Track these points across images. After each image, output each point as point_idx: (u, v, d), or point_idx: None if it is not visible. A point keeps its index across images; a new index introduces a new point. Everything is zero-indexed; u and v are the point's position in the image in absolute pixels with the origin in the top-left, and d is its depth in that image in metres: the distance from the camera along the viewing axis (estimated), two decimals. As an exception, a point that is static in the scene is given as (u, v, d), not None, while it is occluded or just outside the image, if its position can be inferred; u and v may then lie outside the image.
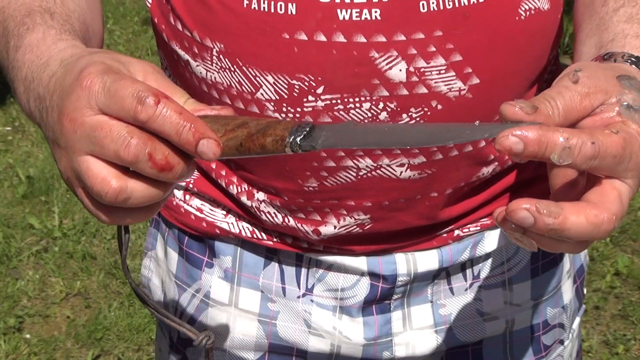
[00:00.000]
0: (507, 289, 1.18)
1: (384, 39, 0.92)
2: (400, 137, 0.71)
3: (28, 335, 3.14)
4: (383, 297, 1.13)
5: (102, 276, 3.36)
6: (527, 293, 1.19)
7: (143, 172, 0.69)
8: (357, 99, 0.94)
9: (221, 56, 0.96)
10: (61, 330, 3.16)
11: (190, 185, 1.16)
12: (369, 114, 0.95)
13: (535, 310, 1.21)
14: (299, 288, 1.15)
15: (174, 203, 1.19)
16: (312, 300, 1.15)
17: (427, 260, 1.12)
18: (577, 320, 1.31)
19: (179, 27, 0.99)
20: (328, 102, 0.95)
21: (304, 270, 1.14)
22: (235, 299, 1.17)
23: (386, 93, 0.94)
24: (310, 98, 0.95)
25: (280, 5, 0.92)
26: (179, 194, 1.18)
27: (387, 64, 0.93)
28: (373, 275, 1.12)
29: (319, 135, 0.71)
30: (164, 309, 1.22)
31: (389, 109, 0.94)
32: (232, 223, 1.14)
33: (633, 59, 0.80)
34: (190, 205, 1.17)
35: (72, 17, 0.91)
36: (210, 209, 1.16)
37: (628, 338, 2.94)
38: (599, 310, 3.11)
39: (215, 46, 0.96)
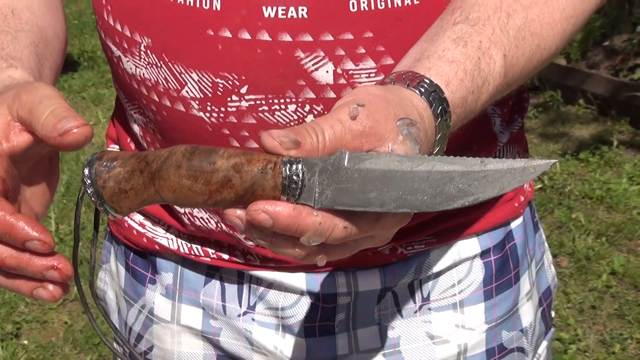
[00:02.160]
0: (458, 312, 1.12)
1: (310, 39, 0.89)
2: (410, 194, 0.68)
3: (26, 342, 3.15)
4: (325, 317, 1.09)
5: (99, 281, 3.36)
6: (481, 316, 1.13)
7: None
8: (282, 100, 0.91)
9: (149, 51, 0.94)
10: (59, 336, 3.16)
11: None
12: (295, 117, 0.92)
13: (489, 334, 1.14)
14: (240, 306, 1.11)
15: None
16: (253, 319, 1.11)
17: (368, 279, 1.08)
18: (544, 344, 1.25)
19: (111, 22, 0.98)
20: (252, 102, 0.92)
21: (245, 288, 1.11)
22: (178, 315, 1.15)
23: (312, 95, 0.91)
24: (234, 98, 0.92)
25: (206, 0, 0.89)
26: None
27: (313, 65, 0.90)
28: (312, 294, 1.08)
29: (311, 186, 0.67)
30: (119, 324, 1.22)
31: (315, 112, 0.92)
32: (171, 239, 1.12)
33: (425, 88, 0.76)
34: (134, 220, 1.15)
35: (19, 36, 0.91)
36: (152, 225, 1.14)
37: (625, 337, 2.95)
38: (595, 310, 3.12)
39: (143, 41, 0.94)
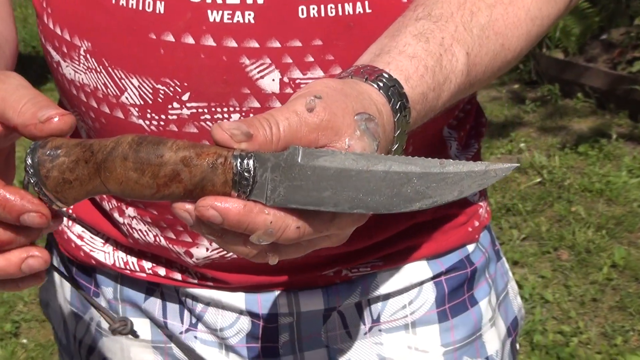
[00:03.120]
0: (410, 333, 1.07)
1: (256, 45, 0.84)
2: (366, 195, 0.65)
3: (25, 340, 3.13)
4: (268, 338, 1.05)
5: (98, 279, 3.35)
6: (436, 338, 1.08)
7: None
8: (225, 109, 0.87)
9: (88, 56, 0.90)
10: (58, 335, 3.14)
11: (70, 211, 1.10)
12: None
13: (448, 358, 1.09)
14: (182, 323, 1.07)
15: (60, 227, 1.12)
16: (195, 337, 1.07)
17: (311, 299, 1.04)
18: None
19: (51, 25, 0.94)
20: (194, 110, 0.88)
21: (185, 306, 1.07)
22: None
23: (257, 104, 0.87)
24: (175, 105, 0.88)
25: (149, 3, 0.85)
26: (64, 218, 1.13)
27: (258, 72, 0.85)
28: (252, 314, 1.04)
29: (263, 182, 0.64)
30: (64, 336, 1.18)
31: None
32: (108, 252, 1.08)
33: (384, 82, 0.73)
34: (72, 232, 1.11)
35: None
36: (91, 237, 1.10)
37: (626, 329, 2.94)
38: (596, 303, 3.10)
39: (83, 45, 0.90)
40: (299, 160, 0.64)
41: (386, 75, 0.74)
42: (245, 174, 0.63)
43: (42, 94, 0.69)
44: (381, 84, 0.73)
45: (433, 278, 1.07)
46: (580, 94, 4.83)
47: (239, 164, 0.63)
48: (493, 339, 1.13)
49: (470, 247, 1.11)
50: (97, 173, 0.64)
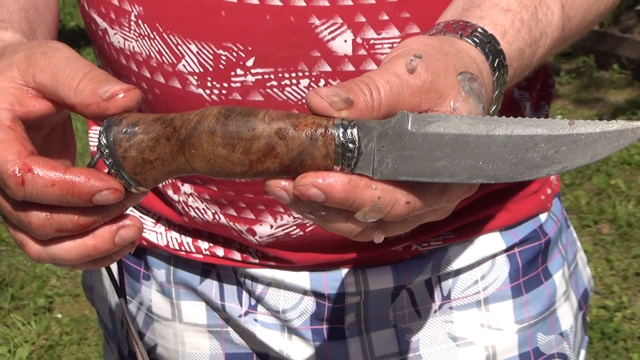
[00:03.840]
0: (482, 310, 1.01)
1: (327, 3, 0.78)
2: (486, 162, 0.59)
3: (59, 315, 3.11)
4: (334, 319, 0.99)
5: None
6: (509, 315, 1.02)
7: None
8: (293, 74, 0.81)
9: (140, 21, 0.84)
10: (92, 309, 3.11)
11: None
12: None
13: (522, 336, 1.03)
14: (241, 305, 1.01)
15: None
16: (256, 320, 1.01)
17: (380, 277, 0.97)
18: (583, 353, 1.14)
19: None
20: (259, 77, 0.81)
21: (244, 287, 1.01)
22: (178, 313, 1.05)
23: (328, 68, 0.81)
24: (239, 72, 0.82)
25: None
26: None
27: (329, 34, 0.79)
28: (317, 294, 0.98)
29: (369, 154, 0.58)
30: (110, 321, 1.12)
31: None
32: (161, 233, 1.02)
33: (479, 38, 0.68)
34: None
35: (6, 1, 0.81)
36: (140, 216, 1.04)
37: (671, 304, 2.88)
38: (640, 277, 3.05)
39: (134, 10, 0.84)
40: (409, 127, 0.58)
41: (481, 31, 0.68)
42: (350, 144, 0.57)
43: (95, 66, 0.63)
44: (477, 40, 0.67)
45: (506, 250, 1.02)
46: (616, 65, 4.76)
47: (341, 134, 0.57)
48: (567, 314, 1.07)
49: (543, 217, 1.05)
50: (180, 151, 0.59)
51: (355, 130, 0.57)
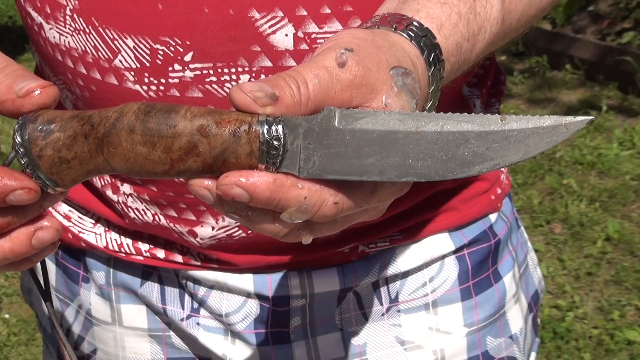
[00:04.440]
0: (431, 313, 0.99)
1: None
2: (416, 160, 0.57)
3: (7, 315, 3.06)
4: (278, 323, 0.97)
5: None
6: (458, 318, 1.00)
7: None
8: (233, 70, 0.78)
9: (75, 15, 0.81)
10: (41, 310, 3.07)
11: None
12: None
13: (471, 339, 1.01)
14: (183, 309, 0.98)
15: None
16: (198, 323, 0.98)
17: (325, 280, 0.95)
18: (533, 355, 1.13)
19: None
20: (198, 72, 0.79)
21: (186, 289, 0.98)
22: (119, 317, 1.02)
23: (269, 63, 0.78)
24: (177, 67, 0.79)
25: None
26: None
27: (270, 27, 0.77)
28: (261, 296, 0.95)
29: (295, 151, 0.56)
30: (49, 324, 1.08)
31: None
32: (100, 234, 0.99)
33: (414, 32, 0.66)
34: (58, 212, 1.02)
35: None
36: (79, 217, 1.01)
37: (623, 304, 2.91)
38: (591, 277, 3.07)
39: (69, 3, 0.81)
40: (336, 124, 0.56)
41: (416, 24, 0.66)
42: (274, 142, 0.56)
43: (16, 62, 0.60)
44: (412, 34, 0.66)
45: (455, 252, 1.00)
46: (569, 65, 4.79)
47: (265, 131, 0.55)
48: (517, 316, 1.06)
49: (493, 217, 1.03)
50: (99, 149, 0.56)
51: (280, 127, 0.56)
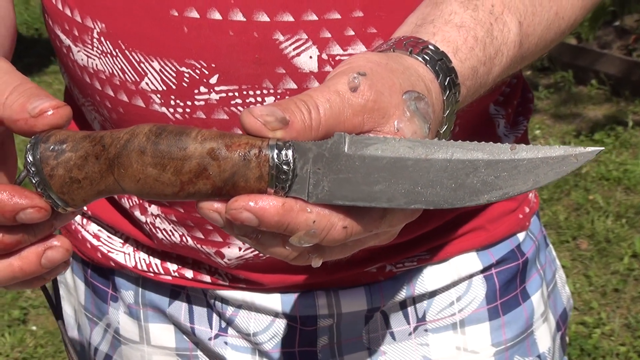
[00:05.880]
0: (458, 332, 1.00)
1: (291, 18, 0.77)
2: (425, 187, 0.57)
3: (34, 327, 3.08)
4: (305, 342, 0.97)
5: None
6: (486, 338, 1.00)
7: None
8: (258, 92, 0.79)
9: (102, 38, 0.82)
10: (67, 322, 3.09)
11: (85, 208, 1.02)
12: None
13: (499, 359, 1.01)
14: (211, 328, 0.99)
15: (73, 227, 1.05)
16: (226, 342, 0.99)
17: (353, 299, 0.96)
18: None
19: (60, 6, 0.86)
20: (224, 94, 0.80)
21: (214, 309, 0.99)
22: (146, 336, 1.03)
23: (294, 85, 0.79)
24: (202, 89, 0.80)
25: None
26: (78, 217, 1.04)
27: (294, 49, 0.78)
28: (288, 316, 0.96)
29: (304, 176, 0.57)
30: (78, 343, 1.09)
31: None
32: (129, 254, 1.00)
33: (430, 55, 0.66)
34: (87, 231, 1.03)
35: None
36: (108, 236, 1.02)
37: (650, 321, 2.89)
38: (618, 293, 3.06)
39: (97, 26, 0.82)
40: (346, 150, 0.57)
41: (432, 48, 0.67)
42: (284, 167, 0.56)
43: (42, 74, 0.60)
44: (427, 58, 0.66)
45: (483, 271, 1.00)
46: (595, 80, 4.78)
47: (275, 156, 0.56)
48: (545, 335, 1.06)
49: (521, 236, 1.04)
50: (110, 170, 0.57)
51: (290, 152, 0.56)
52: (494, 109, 1.00)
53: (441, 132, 0.67)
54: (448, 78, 0.66)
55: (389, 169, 0.57)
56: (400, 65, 0.63)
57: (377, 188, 0.57)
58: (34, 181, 0.58)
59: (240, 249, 0.91)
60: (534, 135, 4.30)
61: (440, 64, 0.66)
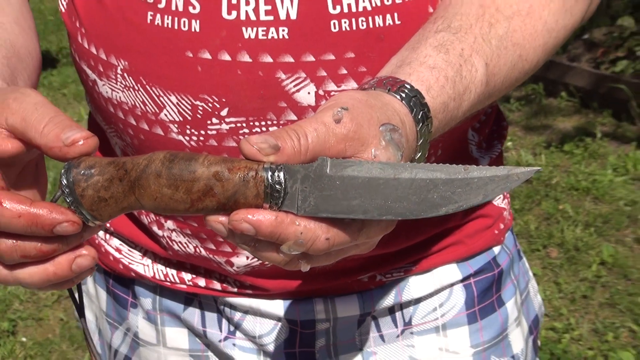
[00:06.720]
0: (441, 335, 1.11)
1: (291, 60, 0.86)
2: (394, 202, 0.67)
3: (24, 339, 3.13)
4: (305, 343, 1.08)
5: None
6: (466, 340, 1.11)
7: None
8: (263, 123, 0.88)
9: (125, 74, 0.91)
10: (55, 333, 3.15)
11: (108, 224, 1.13)
12: None
13: (477, 358, 1.12)
14: (221, 331, 1.10)
15: (97, 241, 1.15)
16: (234, 344, 1.10)
17: (347, 305, 1.07)
18: None
19: (86, 44, 0.95)
20: (233, 125, 0.89)
21: (224, 314, 1.10)
22: (163, 339, 1.14)
23: (294, 117, 0.88)
24: (215, 120, 0.89)
25: (184, 22, 0.86)
26: (101, 232, 1.15)
27: (294, 86, 0.87)
28: (290, 320, 1.07)
29: (294, 193, 0.66)
30: (100, 346, 1.21)
31: None
32: (147, 265, 1.11)
33: (406, 93, 0.75)
34: (110, 245, 1.14)
35: None
36: (129, 250, 1.13)
37: (617, 326, 2.98)
38: (586, 300, 3.14)
39: (120, 64, 0.91)
40: (328, 171, 0.66)
41: (408, 86, 0.76)
42: (277, 186, 0.65)
43: (61, 111, 0.71)
44: (403, 95, 0.75)
45: (462, 280, 1.11)
46: (564, 92, 4.86)
47: (269, 177, 0.65)
48: (518, 338, 1.17)
49: (497, 249, 1.14)
50: (131, 190, 0.66)
51: (281, 174, 0.65)
52: (471, 133, 1.09)
53: (415, 158, 0.77)
54: (421, 112, 0.75)
55: (364, 186, 0.66)
56: (379, 102, 0.72)
57: (354, 202, 0.66)
58: (67, 200, 0.67)
59: (247, 257, 1.01)
60: (506, 147, 4.37)
61: (414, 100, 0.75)
